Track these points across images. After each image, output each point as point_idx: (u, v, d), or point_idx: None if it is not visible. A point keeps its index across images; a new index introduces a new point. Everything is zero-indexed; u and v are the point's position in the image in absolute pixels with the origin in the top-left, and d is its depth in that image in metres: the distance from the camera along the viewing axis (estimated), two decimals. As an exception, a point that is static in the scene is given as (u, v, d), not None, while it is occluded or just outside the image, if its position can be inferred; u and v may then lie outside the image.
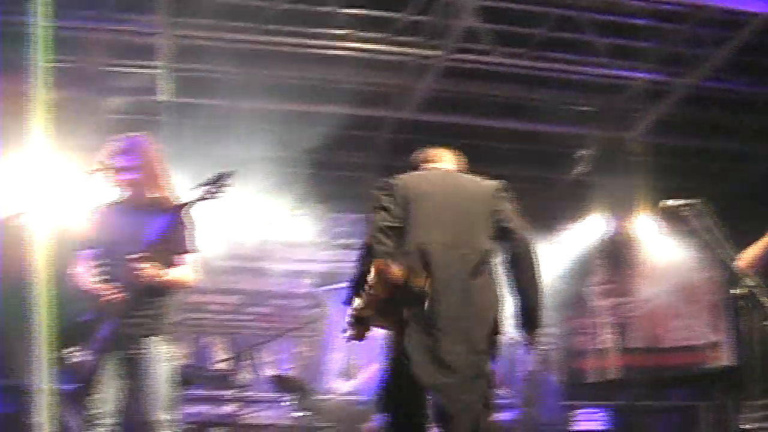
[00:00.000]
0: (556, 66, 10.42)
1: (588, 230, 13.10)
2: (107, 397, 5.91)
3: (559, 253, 13.19)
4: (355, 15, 9.90)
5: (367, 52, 10.06)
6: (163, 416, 5.91)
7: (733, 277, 6.05)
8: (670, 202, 6.15)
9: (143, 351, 5.97)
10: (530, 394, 12.33)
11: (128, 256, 5.90)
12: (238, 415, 11.27)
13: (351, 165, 12.48)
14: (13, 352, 11.16)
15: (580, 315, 14.15)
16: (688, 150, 12.42)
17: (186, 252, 6.17)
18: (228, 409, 11.72)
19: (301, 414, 9.76)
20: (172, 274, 6.09)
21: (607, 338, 13.86)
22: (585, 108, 11.74)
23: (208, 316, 12.44)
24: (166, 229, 6.15)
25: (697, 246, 8.93)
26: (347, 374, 12.66)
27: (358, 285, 5.41)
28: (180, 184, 9.95)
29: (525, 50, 10.07)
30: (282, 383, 10.22)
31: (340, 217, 13.22)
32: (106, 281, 5.98)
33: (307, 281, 13.02)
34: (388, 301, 5.21)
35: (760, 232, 11.72)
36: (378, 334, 5.61)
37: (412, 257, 5.28)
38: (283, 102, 10.57)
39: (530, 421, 11.48)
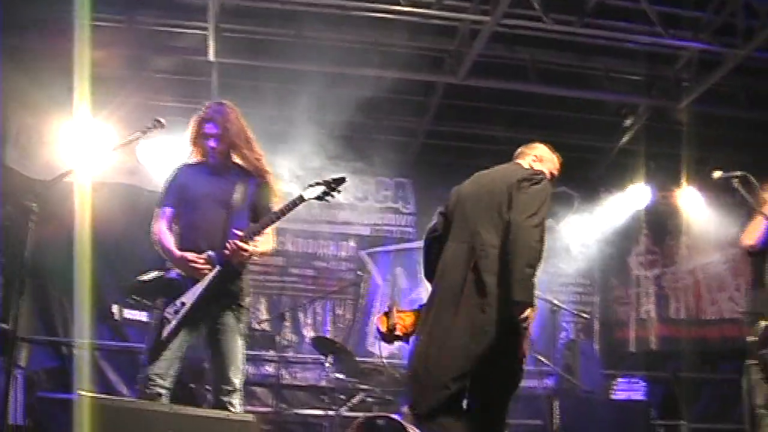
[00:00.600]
0: (607, 34, 10.31)
1: (633, 199, 13.03)
2: (171, 361, 6.00)
3: (604, 221, 13.12)
4: (407, -21, 9.86)
5: (418, 16, 10.00)
6: (237, 381, 6.08)
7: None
8: (721, 173, 6.12)
9: (227, 321, 6.12)
10: (571, 362, 12.31)
11: (233, 233, 6.10)
12: (279, 375, 11.38)
13: (400, 129, 12.47)
14: (58, 309, 11.33)
15: (623, 284, 14.08)
16: (737, 121, 12.28)
17: (270, 220, 6.24)
18: (269, 369, 11.83)
19: (341, 376, 9.79)
20: (261, 247, 6.23)
21: (649, 309, 13.81)
22: (635, 77, 11.63)
23: (251, 276, 12.46)
24: (252, 197, 6.29)
25: (744, 217, 8.82)
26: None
27: None
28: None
29: (576, 17, 9.97)
30: (323, 345, 10.25)
31: (385, 181, 13.23)
32: (197, 249, 6.08)
33: (351, 244, 13.02)
34: None
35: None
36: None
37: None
38: (332, 65, 10.54)
39: (570, 389, 11.46)
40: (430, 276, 6.38)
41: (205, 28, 10.15)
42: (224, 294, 6.15)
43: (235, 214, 6.25)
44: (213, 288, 6.04)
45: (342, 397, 9.88)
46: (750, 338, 7.16)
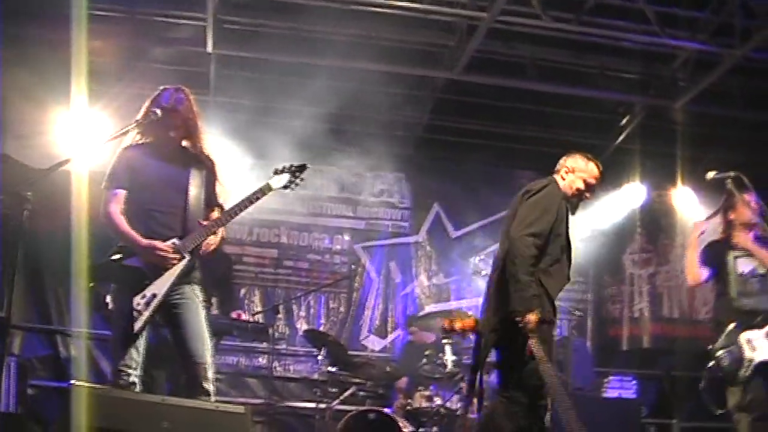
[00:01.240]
0: (604, 32, 10.32)
1: (629, 198, 13.05)
2: (138, 350, 6.00)
3: (599, 219, 13.13)
4: (404, -27, 9.87)
5: (416, 11, 10.01)
6: (210, 359, 6.05)
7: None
8: (715, 174, 6.18)
9: (186, 295, 6.09)
10: (563, 359, 12.34)
11: (201, 223, 6.14)
12: (271, 367, 11.41)
13: (397, 124, 12.48)
14: (53, 298, 11.35)
15: (617, 282, 14.11)
16: (733, 121, 12.31)
17: (239, 209, 6.27)
18: (262, 360, 11.86)
19: (333, 369, 9.83)
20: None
21: (643, 307, 13.84)
22: (632, 75, 11.65)
23: (245, 268, 12.51)
24: (206, 184, 6.29)
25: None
26: (381, 332, 12.75)
27: None
28: (224, 136, 10.06)
29: (574, 15, 9.98)
30: (316, 338, 10.29)
31: (381, 175, 13.25)
32: (154, 236, 6.07)
33: (346, 238, 13.05)
34: None
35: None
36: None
37: None
38: (329, 58, 10.55)
39: (563, 386, 11.48)
40: None
41: (203, 19, 10.14)
42: (184, 273, 6.14)
43: (193, 201, 6.24)
44: (181, 277, 6.05)
45: (334, 390, 9.91)
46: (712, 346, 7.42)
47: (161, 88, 6.48)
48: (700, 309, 13.27)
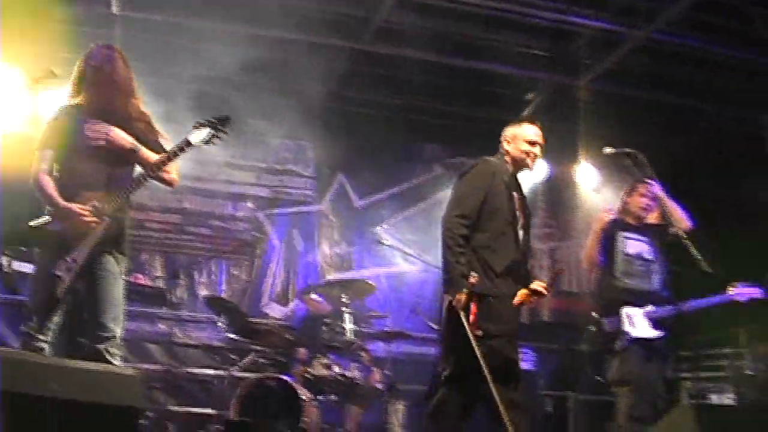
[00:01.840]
0: (512, 7, 10.41)
1: (532, 173, 13.14)
2: (56, 317, 5.93)
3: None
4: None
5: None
6: (116, 328, 5.97)
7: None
8: (612, 150, 6.30)
9: (107, 266, 6.02)
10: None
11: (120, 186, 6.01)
12: (172, 333, 11.34)
13: (304, 93, 12.40)
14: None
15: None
16: (637, 101, 12.51)
17: (157, 168, 6.21)
18: (163, 326, 11.78)
19: (233, 336, 9.81)
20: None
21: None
22: (538, 52, 11.75)
23: (147, 233, 12.38)
24: (144, 143, 6.21)
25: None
26: (282, 299, 12.75)
27: None
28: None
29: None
30: (216, 304, 10.25)
31: (287, 143, 13.22)
32: (78, 198, 5.98)
33: (249, 205, 13.00)
34: None
35: (699, 187, 12.01)
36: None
37: None
38: (239, 24, 10.47)
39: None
40: None
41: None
42: (107, 241, 6.05)
43: (120, 163, 6.17)
44: (101, 241, 5.97)
45: (234, 357, 9.89)
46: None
47: (91, 45, 6.39)
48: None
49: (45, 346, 5.82)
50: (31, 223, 6.04)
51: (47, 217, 6.03)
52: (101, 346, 5.91)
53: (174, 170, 6.42)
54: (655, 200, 7.77)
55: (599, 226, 8.13)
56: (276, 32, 10.66)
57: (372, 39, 10.81)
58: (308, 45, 11.25)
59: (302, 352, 9.99)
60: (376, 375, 9.90)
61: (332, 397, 9.41)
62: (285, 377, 9.22)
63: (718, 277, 5.71)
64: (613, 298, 7.82)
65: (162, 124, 10.61)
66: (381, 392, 9.87)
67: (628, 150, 6.25)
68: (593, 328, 7.85)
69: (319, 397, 9.31)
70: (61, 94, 9.82)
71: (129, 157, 6.25)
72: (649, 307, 7.71)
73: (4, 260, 6.15)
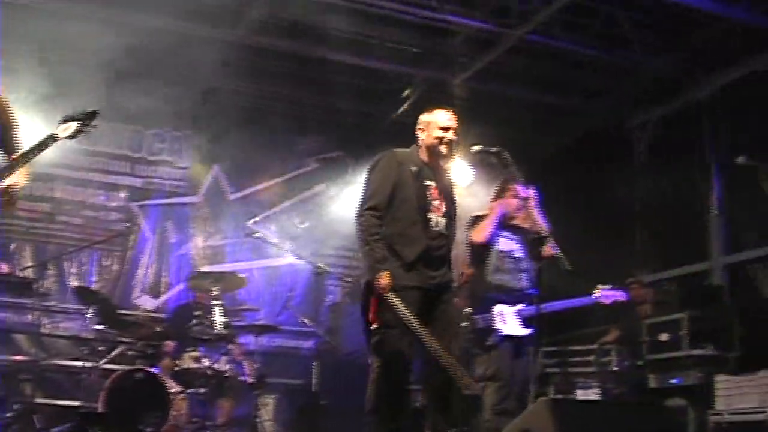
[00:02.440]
0: (389, 4, 10.48)
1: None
2: None
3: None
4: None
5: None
6: None
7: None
8: (480, 148, 6.38)
9: None
10: (334, 325, 12.53)
11: None
12: (39, 324, 11.16)
13: (179, 82, 12.26)
14: None
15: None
16: (510, 100, 12.73)
17: (20, 163, 6.00)
18: (30, 317, 11.59)
19: (102, 327, 9.70)
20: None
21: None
22: (415, 49, 11.85)
23: (15, 222, 12.12)
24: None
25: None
26: (154, 291, 12.64)
27: None
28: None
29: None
30: (85, 295, 10.12)
31: (161, 134, 13.11)
32: None
33: (122, 195, 12.84)
34: None
35: (569, 186, 12.26)
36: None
37: None
38: (110, 10, 10.35)
39: (332, 351, 11.67)
40: None
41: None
42: None
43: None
44: None
45: (102, 348, 9.77)
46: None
47: None
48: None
49: None
50: None
51: None
52: None
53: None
54: (523, 200, 7.86)
55: (494, 210, 8.10)
56: (152, 21, 10.54)
57: (248, 30, 10.78)
58: (183, 35, 11.12)
59: (172, 344, 9.92)
60: (247, 368, 9.90)
61: (201, 390, 9.36)
62: (153, 370, 9.16)
63: (580, 275, 5.81)
64: (485, 295, 7.90)
65: (35, 112, 10.48)
66: (251, 385, 9.87)
67: (494, 148, 6.32)
68: (465, 324, 7.93)
69: (189, 391, 9.27)
70: None
71: (8, 149, 6.12)
72: (520, 305, 7.83)
73: None
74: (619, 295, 8.56)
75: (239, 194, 13.46)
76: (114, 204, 12.82)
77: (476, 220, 8.07)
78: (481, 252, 8.00)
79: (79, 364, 10.22)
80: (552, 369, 10.96)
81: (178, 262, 12.96)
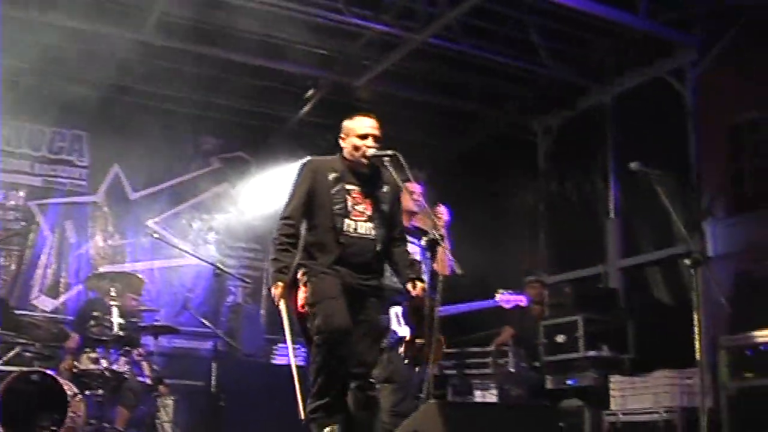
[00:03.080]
0: (294, 6, 10.48)
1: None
2: None
3: (281, 188, 13.24)
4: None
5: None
6: None
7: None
8: (374, 152, 6.40)
9: None
10: (234, 326, 12.48)
11: None
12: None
13: (80, 81, 12.12)
14: None
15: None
16: (413, 102, 12.83)
17: None
18: None
19: (-1, 330, 9.58)
20: None
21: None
22: (318, 50, 11.86)
23: None
24: None
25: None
26: (53, 292, 12.49)
27: None
28: None
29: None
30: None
31: (61, 132, 12.95)
32: None
33: (21, 194, 12.64)
34: None
35: (476, 189, 12.40)
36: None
37: None
38: (24, 9, 10.21)
39: (231, 352, 11.64)
40: None
41: None
42: None
43: None
44: None
45: (-2, 350, 9.64)
46: None
47: None
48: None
49: None
50: None
51: None
52: None
53: None
54: (420, 203, 7.89)
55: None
56: (55, 20, 10.41)
57: (152, 30, 10.68)
58: (87, 34, 11.00)
59: (72, 345, 9.82)
60: (146, 369, 9.83)
61: (99, 391, 9.27)
62: (49, 371, 9.05)
63: (475, 279, 5.87)
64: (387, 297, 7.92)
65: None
66: (149, 387, 9.80)
67: (389, 152, 6.35)
68: None
69: (87, 392, 9.18)
70: None
71: None
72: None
73: None
74: (520, 300, 8.68)
75: (140, 194, 13.36)
76: (12, 203, 12.61)
77: None
78: None
79: (-27, 366, 10.07)
80: (450, 371, 11.05)
81: (78, 262, 12.81)
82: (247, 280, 12.94)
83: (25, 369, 9.08)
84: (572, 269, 12.42)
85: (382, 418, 7.58)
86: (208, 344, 11.78)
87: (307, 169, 6.60)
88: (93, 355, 9.42)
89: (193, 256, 12.31)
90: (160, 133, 13.01)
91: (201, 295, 13.22)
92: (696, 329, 6.49)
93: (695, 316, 6.63)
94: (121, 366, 9.45)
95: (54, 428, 8.69)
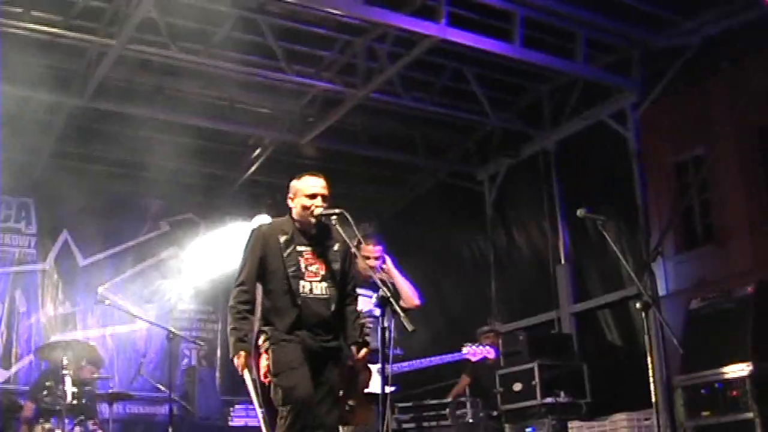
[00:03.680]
0: (235, 66, 10.51)
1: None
2: None
3: (229, 249, 13.21)
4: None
5: (46, 35, 9.76)
6: None
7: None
8: (321, 211, 6.39)
9: None
10: (189, 389, 12.38)
11: None
12: None
13: (24, 148, 12.04)
14: None
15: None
16: (357, 158, 12.89)
17: None
18: None
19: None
20: None
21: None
22: (262, 109, 11.91)
23: None
24: None
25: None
26: (4, 362, 12.35)
27: None
28: None
29: (203, 47, 10.10)
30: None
31: (7, 200, 12.88)
32: None
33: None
34: None
35: (425, 239, 12.41)
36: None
37: None
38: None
39: (187, 416, 11.54)
40: None
41: None
42: None
43: None
44: None
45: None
46: None
47: None
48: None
49: None
50: None
51: None
52: None
53: None
54: (376, 258, 7.89)
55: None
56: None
57: (94, 95, 10.65)
58: (30, 100, 10.97)
59: (26, 415, 9.71)
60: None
61: (54, 462, 9.17)
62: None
63: (415, 332, 5.85)
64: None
65: None
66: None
67: (336, 210, 6.33)
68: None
69: (41, 464, 9.07)
70: None
71: None
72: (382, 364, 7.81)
73: None
74: (487, 352, 8.70)
75: (90, 260, 13.26)
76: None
77: None
78: None
79: None
80: (408, 425, 11.01)
81: (29, 331, 12.67)
82: (201, 342, 12.85)
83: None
84: (525, 317, 12.42)
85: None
86: (163, 409, 11.71)
87: (256, 236, 6.55)
88: (47, 425, 9.32)
89: (145, 320, 12.22)
90: (106, 198, 12.98)
91: (154, 359, 13.10)
92: (650, 371, 6.50)
93: (648, 359, 6.67)
94: (77, 435, 9.35)
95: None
